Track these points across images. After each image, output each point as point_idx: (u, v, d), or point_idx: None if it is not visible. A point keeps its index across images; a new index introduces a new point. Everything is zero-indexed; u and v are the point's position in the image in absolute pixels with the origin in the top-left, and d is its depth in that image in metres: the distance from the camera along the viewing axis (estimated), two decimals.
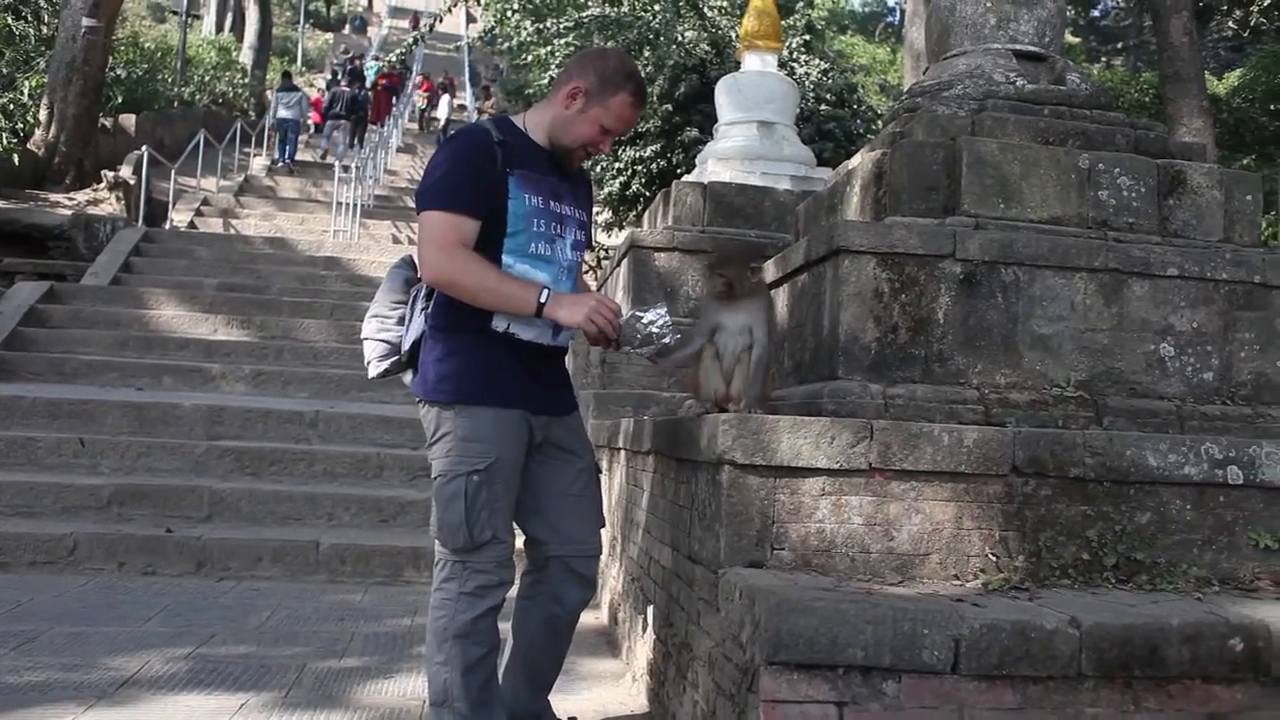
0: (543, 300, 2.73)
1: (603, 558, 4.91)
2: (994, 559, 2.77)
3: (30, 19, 17.19)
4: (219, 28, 31.92)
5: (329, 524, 5.89)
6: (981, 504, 2.79)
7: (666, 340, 2.76)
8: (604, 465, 5.26)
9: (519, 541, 3.00)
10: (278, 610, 4.72)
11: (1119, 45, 30.27)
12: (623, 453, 4.56)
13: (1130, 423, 3.32)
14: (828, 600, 2.28)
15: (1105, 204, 3.76)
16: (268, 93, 27.62)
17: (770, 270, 4.13)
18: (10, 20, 16.51)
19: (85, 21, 14.76)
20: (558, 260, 2.90)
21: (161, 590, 5.01)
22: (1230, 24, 25.39)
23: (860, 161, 4.13)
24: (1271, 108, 18.04)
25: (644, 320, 2.78)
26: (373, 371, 3.11)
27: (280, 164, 19.57)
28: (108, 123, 17.00)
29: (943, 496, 2.78)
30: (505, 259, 2.82)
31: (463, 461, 2.80)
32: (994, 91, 4.12)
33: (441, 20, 13.19)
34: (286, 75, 23.04)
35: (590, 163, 12.95)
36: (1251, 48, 23.21)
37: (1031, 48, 4.34)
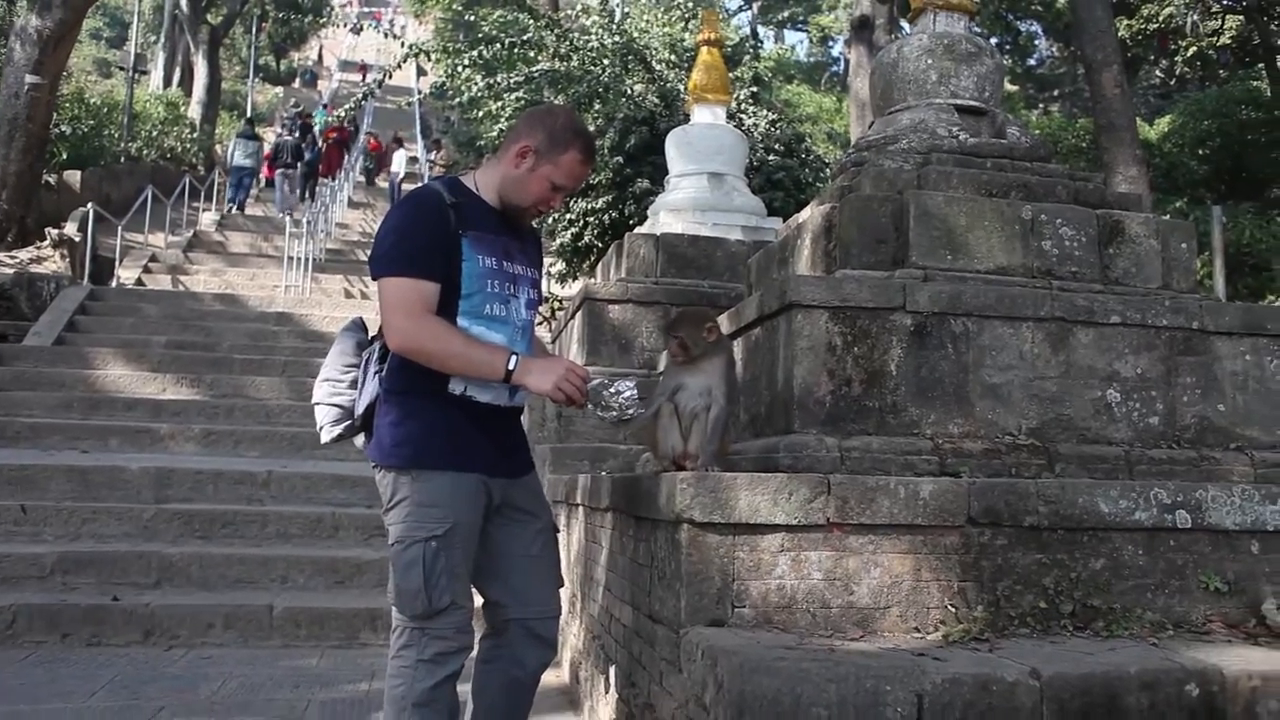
0: (511, 367, 2.72)
1: (563, 615, 4.86)
2: (953, 610, 2.78)
3: None
4: (167, 83, 31.75)
5: (283, 586, 5.77)
6: (939, 555, 2.82)
7: (630, 413, 2.75)
8: (562, 521, 5.23)
9: (477, 604, 2.96)
10: (230, 679, 4.60)
11: (1055, 92, 31.23)
12: (581, 509, 4.53)
13: (1081, 469, 3.38)
14: (790, 660, 2.27)
15: (1049, 254, 3.86)
16: (217, 147, 27.46)
17: (724, 324, 4.17)
18: None
19: (29, 79, 14.58)
20: (512, 320, 2.89)
21: (107, 662, 4.86)
22: (1158, 73, 26.35)
23: (810, 215, 4.20)
24: (1200, 152, 18.68)
25: (611, 390, 2.78)
26: (325, 437, 3.08)
27: (230, 209, 19.49)
28: (52, 179, 16.76)
29: (901, 549, 2.80)
30: (460, 321, 2.82)
31: (420, 527, 2.77)
32: (938, 145, 4.23)
33: (391, 75, 13.22)
34: (249, 122, 22.97)
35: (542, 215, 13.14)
36: (1178, 94, 24.08)
37: (972, 102, 4.47)
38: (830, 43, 51.39)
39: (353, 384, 3.04)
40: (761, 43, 12.42)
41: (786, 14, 43.58)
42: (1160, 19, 21.60)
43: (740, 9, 37.49)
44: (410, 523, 2.78)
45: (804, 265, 4.04)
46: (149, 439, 8.10)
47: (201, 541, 6.07)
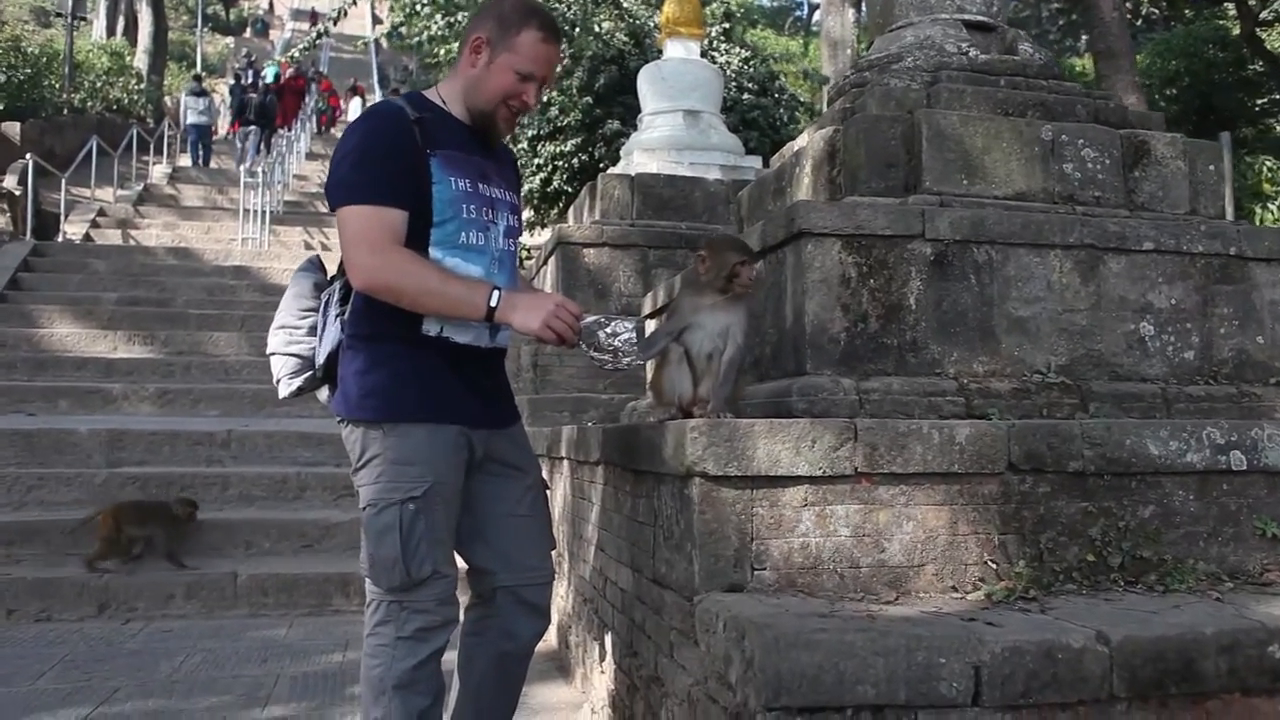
0: (494, 303, 2.37)
1: None
2: (994, 566, 2.51)
3: None
4: (110, 32, 30.42)
5: (247, 553, 5.43)
6: (977, 506, 2.54)
7: (627, 361, 2.42)
8: (544, 476, 4.92)
9: (461, 570, 2.64)
10: (192, 654, 4.27)
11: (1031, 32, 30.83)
12: (566, 463, 4.22)
13: (1116, 408, 3.11)
14: (830, 631, 1.98)
15: (1070, 177, 3.55)
16: (166, 99, 26.45)
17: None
18: None
19: None
20: (491, 250, 2.54)
21: (58, 639, 4.51)
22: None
23: (809, 140, 3.86)
24: (1168, 92, 18.47)
25: (607, 330, 2.44)
26: (283, 391, 2.72)
27: (194, 169, 18.86)
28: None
29: (935, 500, 2.51)
30: (433, 253, 2.46)
31: (395, 488, 2.44)
32: (946, 63, 3.89)
33: (345, 15, 12.61)
34: (197, 79, 22.08)
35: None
36: (1144, 35, 23.83)
37: (980, 17, 4.13)
38: None
39: (311, 330, 2.69)
40: None
41: None
42: None
43: None
44: (384, 483, 2.45)
45: (804, 194, 3.71)
46: (100, 400, 7.67)
47: None
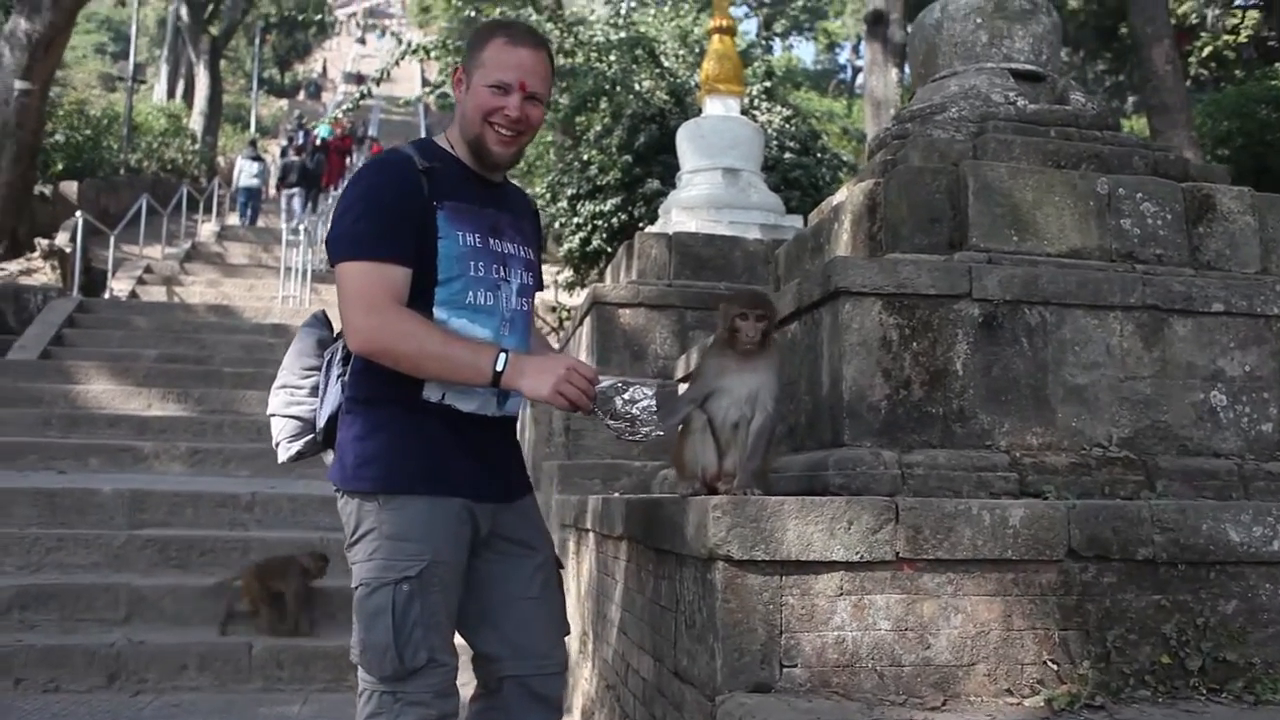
0: (499, 368, 2.18)
1: (573, 655, 4.32)
2: (1054, 667, 2.24)
3: None
4: (170, 94, 31.39)
5: None
6: (1034, 598, 2.27)
7: (645, 431, 2.21)
8: (571, 548, 4.69)
9: (465, 657, 2.42)
10: None
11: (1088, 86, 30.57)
12: (591, 535, 3.99)
13: (1187, 486, 2.83)
14: None
15: (1129, 233, 3.31)
16: (219, 158, 27.07)
17: None
18: None
19: (18, 84, 14.14)
20: (501, 310, 2.36)
21: (64, 710, 4.33)
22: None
23: (849, 194, 3.66)
24: (1221, 153, 18.07)
25: (625, 396, 2.23)
26: (282, 455, 2.55)
27: (242, 227, 19.28)
28: (46, 190, 16.33)
29: (986, 590, 2.25)
30: (438, 313, 2.29)
31: (390, 566, 2.24)
32: (993, 113, 3.69)
33: (388, 76, 12.74)
34: (253, 144, 22.68)
35: (546, 219, 12.52)
36: (1196, 95, 23.45)
37: (1029, 66, 3.93)
38: (837, 49, 50.90)
39: (314, 391, 2.52)
40: (771, 41, 11.89)
41: (792, 21, 43.12)
42: (1177, 15, 20.99)
43: (746, 16, 37.05)
44: (377, 561, 2.25)
45: (843, 250, 3.50)
46: (131, 458, 7.59)
47: (177, 571, 5.54)
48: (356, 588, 2.28)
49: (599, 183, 11.37)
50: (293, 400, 2.53)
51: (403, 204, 2.26)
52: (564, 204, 11.68)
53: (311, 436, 2.51)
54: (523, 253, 2.45)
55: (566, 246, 11.85)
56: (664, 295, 7.24)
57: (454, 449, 2.31)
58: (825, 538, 2.18)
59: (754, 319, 2.46)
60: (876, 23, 14.91)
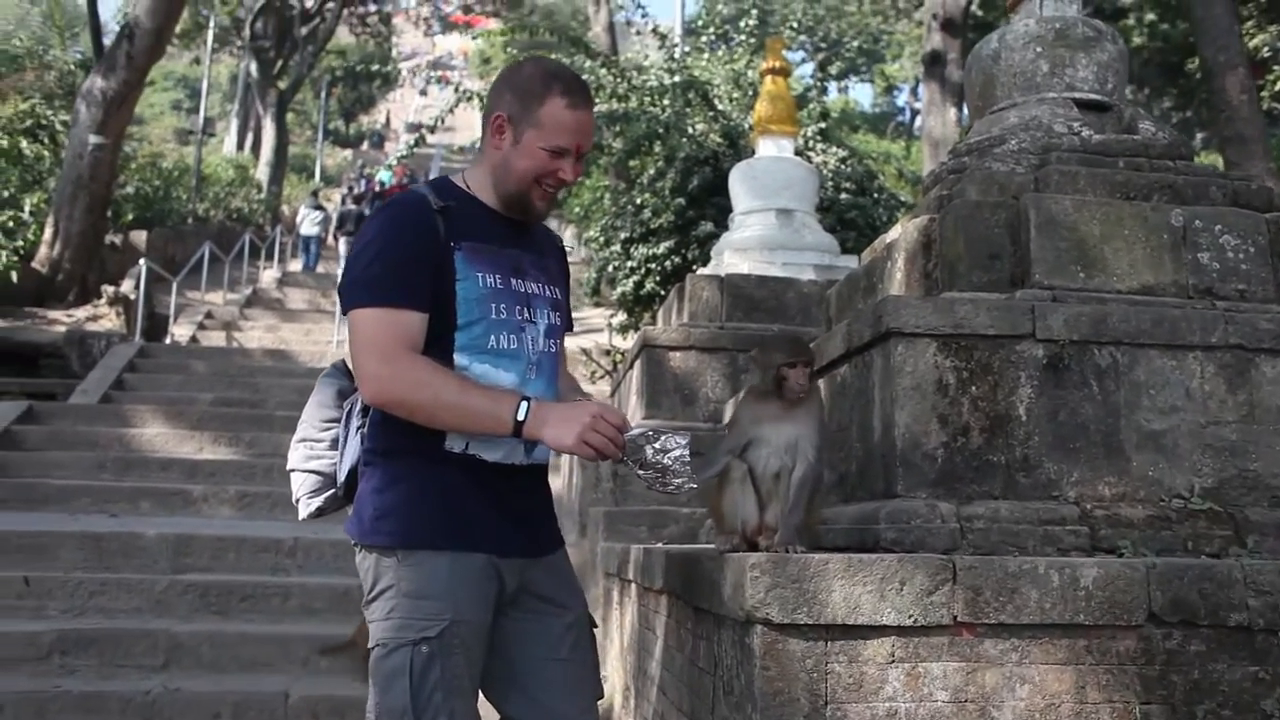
0: (521, 417, 2.05)
1: (615, 708, 4.12)
2: None
3: (46, 141, 17.19)
4: (239, 146, 32.34)
5: (303, 670, 5.11)
6: (1110, 667, 2.05)
7: (678, 483, 2.05)
8: (615, 597, 4.51)
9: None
10: None
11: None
12: (634, 586, 3.81)
13: None
14: None
15: (1207, 268, 3.08)
16: (284, 207, 27.69)
17: None
18: (25, 142, 16.49)
19: (92, 139, 14.61)
20: (526, 354, 2.22)
21: None
22: None
23: (902, 232, 3.49)
24: None
25: (656, 445, 2.08)
26: (303, 512, 2.43)
27: (303, 273, 19.76)
28: (117, 239, 16.78)
29: (1056, 659, 2.04)
30: (459, 359, 2.16)
31: (408, 626, 2.09)
32: (1055, 144, 3.50)
33: (443, 122, 12.87)
34: (314, 194, 23.30)
35: (600, 263, 12.44)
36: (1268, 130, 22.79)
37: (1093, 95, 3.74)
38: (895, 92, 50.76)
39: (334, 444, 2.40)
40: (827, 83, 11.82)
41: (848, 64, 43.13)
42: (1248, 49, 20.48)
43: (803, 60, 37.12)
44: (395, 620, 2.11)
45: (897, 290, 3.32)
46: (181, 501, 7.59)
47: (216, 617, 5.46)
48: (373, 648, 2.14)
49: (652, 226, 11.29)
50: (312, 454, 2.41)
51: (418, 245, 2.14)
52: (617, 247, 11.62)
53: (332, 491, 2.39)
54: (548, 292, 2.32)
55: (620, 290, 11.77)
56: (715, 338, 7.09)
57: (478, 501, 2.17)
58: (875, 599, 1.99)
59: (802, 365, 2.30)
60: (934, 63, 14.76)
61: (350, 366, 2.51)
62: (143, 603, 5.48)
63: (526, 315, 2.25)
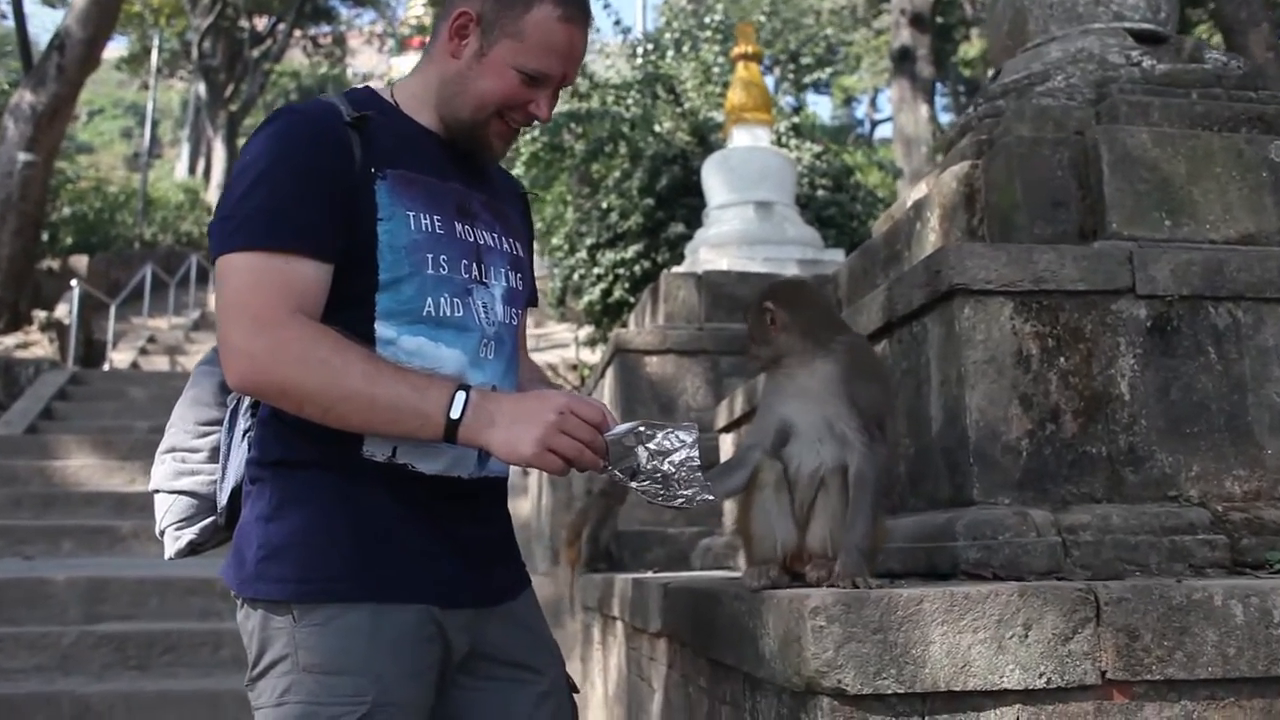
0: (456, 414, 1.41)
1: None
2: None
3: None
4: (191, 171, 31.40)
5: None
6: None
7: (689, 494, 1.43)
8: (595, 635, 3.84)
9: None
10: None
11: None
12: (619, 625, 3.16)
13: None
14: None
15: None
16: None
17: None
18: None
19: (21, 156, 13.76)
20: (475, 324, 1.58)
21: None
22: None
23: (935, 184, 2.89)
24: None
25: (651, 446, 1.44)
26: (170, 548, 1.75)
27: None
28: (54, 264, 15.93)
29: None
30: (381, 330, 1.52)
31: (312, 715, 1.44)
32: (1112, 76, 2.92)
33: None
34: None
35: (564, 271, 11.85)
36: None
37: (1146, 25, 3.17)
38: (854, 104, 50.71)
39: (213, 454, 1.73)
40: (800, 77, 11.28)
41: (808, 78, 42.88)
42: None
43: (765, 70, 36.82)
44: (293, 707, 1.46)
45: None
46: (107, 539, 6.82)
47: (135, 673, 4.71)
48: None
49: (619, 229, 10.68)
50: (183, 468, 1.74)
51: (319, 168, 1.49)
52: (583, 254, 10.99)
53: (210, 519, 1.72)
54: (507, 246, 1.68)
55: (587, 299, 11.13)
56: (695, 339, 6.49)
57: (410, 531, 1.52)
58: (991, 652, 1.36)
59: (780, 304, 1.70)
60: (903, 59, 14.34)
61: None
62: (47, 660, 4.72)
63: (476, 273, 1.60)
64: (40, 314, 13.02)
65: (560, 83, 1.62)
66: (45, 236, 15.53)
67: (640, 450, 1.46)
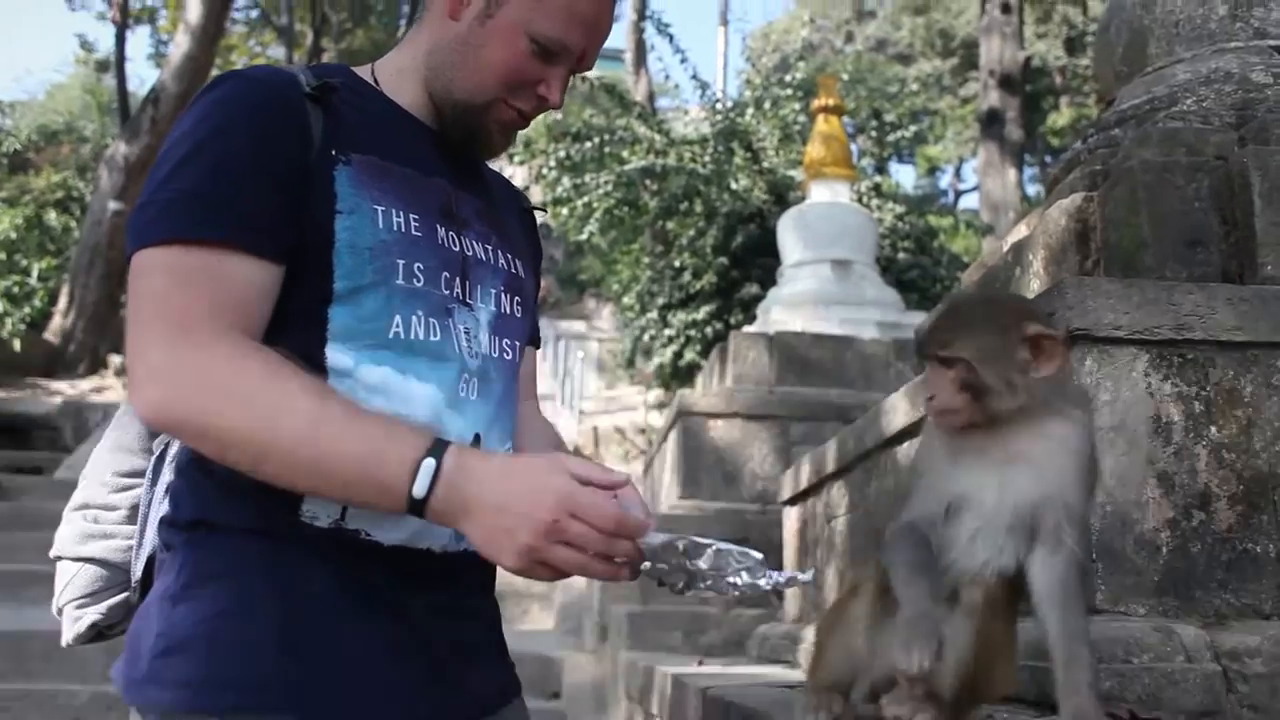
0: (419, 493, 1.04)
1: None
2: None
3: (76, 212, 16.87)
4: None
5: None
6: None
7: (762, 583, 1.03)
8: None
9: None
10: None
11: None
12: None
13: None
14: None
15: None
16: None
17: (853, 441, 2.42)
18: (54, 213, 16.20)
19: (112, 205, 14.15)
20: (456, 353, 1.21)
21: None
22: None
23: (1038, 223, 2.47)
24: None
25: (703, 565, 1.05)
26: (69, 632, 1.38)
27: None
28: (126, 312, 16.29)
29: None
30: (333, 355, 1.15)
31: None
32: (1257, 98, 2.48)
33: None
34: None
35: (635, 332, 11.56)
36: None
37: None
38: (938, 173, 50.13)
39: (132, 513, 1.37)
40: (884, 136, 10.92)
41: (892, 136, 42.57)
42: None
43: (847, 135, 36.59)
44: None
45: None
46: None
47: None
48: None
49: (692, 289, 10.38)
50: (94, 530, 1.37)
51: (267, 144, 1.15)
52: (654, 314, 10.69)
53: (123, 595, 1.36)
54: (503, 263, 1.31)
55: (657, 360, 10.79)
56: (764, 403, 6.07)
57: (360, 624, 1.15)
58: None
59: (1061, 341, 1.24)
60: (991, 122, 13.88)
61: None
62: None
63: (459, 291, 1.24)
64: (115, 359, 13.19)
65: (578, 63, 1.27)
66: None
67: (693, 564, 1.06)
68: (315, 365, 1.13)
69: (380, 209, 1.18)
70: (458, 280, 1.23)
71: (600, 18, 1.25)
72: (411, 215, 1.20)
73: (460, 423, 1.20)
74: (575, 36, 1.22)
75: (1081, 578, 1.15)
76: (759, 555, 1.04)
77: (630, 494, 1.10)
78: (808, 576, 1.02)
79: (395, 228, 1.18)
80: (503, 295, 1.29)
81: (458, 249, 1.25)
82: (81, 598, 1.37)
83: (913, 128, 12.81)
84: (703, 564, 1.05)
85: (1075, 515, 1.15)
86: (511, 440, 1.32)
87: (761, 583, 1.02)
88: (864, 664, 1.25)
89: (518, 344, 1.32)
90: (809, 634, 2.78)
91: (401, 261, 1.18)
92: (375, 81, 1.30)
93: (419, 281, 1.18)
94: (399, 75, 1.30)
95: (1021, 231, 2.67)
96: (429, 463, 1.03)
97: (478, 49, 1.23)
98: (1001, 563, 1.17)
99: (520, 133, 1.37)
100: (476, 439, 1.21)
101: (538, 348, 1.46)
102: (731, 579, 1.04)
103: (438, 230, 1.23)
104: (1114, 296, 1.62)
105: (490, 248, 1.30)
